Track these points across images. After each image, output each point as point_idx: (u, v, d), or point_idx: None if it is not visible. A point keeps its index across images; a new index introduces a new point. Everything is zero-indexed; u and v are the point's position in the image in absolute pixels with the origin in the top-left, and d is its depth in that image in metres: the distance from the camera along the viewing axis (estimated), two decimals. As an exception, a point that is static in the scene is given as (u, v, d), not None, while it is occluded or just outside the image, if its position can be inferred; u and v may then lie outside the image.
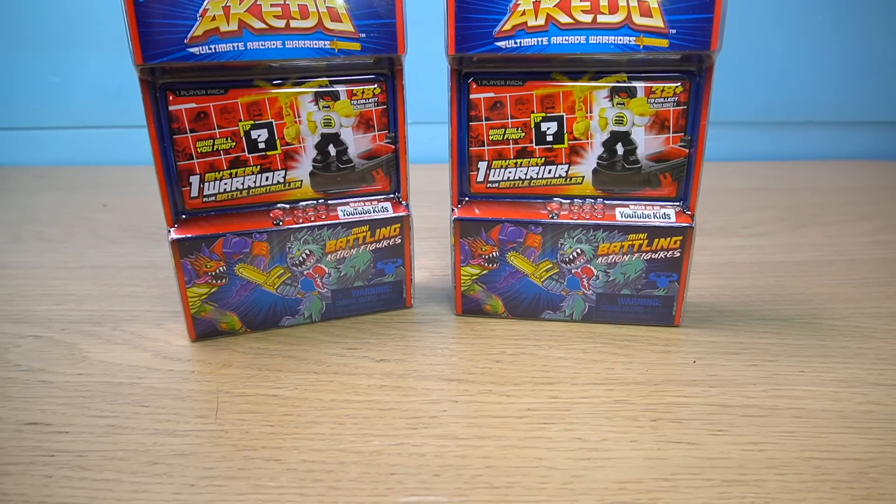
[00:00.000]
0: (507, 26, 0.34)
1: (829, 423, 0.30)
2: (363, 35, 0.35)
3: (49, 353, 0.37)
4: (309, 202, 0.38)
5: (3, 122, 0.84)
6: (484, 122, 0.37)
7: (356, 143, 0.38)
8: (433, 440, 0.30)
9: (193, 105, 0.34)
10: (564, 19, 0.34)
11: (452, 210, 0.39)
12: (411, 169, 0.39)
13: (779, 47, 0.81)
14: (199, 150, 0.35)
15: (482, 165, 0.38)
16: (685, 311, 0.39)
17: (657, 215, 0.37)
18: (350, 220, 0.38)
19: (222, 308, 0.38)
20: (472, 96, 0.37)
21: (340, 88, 0.36)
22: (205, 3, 0.32)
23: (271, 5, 0.33)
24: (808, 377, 0.34)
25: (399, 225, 0.39)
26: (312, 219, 0.38)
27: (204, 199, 0.36)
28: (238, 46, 0.33)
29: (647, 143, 0.36)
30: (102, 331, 0.40)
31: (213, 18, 0.32)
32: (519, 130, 0.37)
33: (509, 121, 0.37)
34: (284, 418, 0.31)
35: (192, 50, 0.32)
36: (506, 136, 0.37)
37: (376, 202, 0.39)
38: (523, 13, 0.34)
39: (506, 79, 0.36)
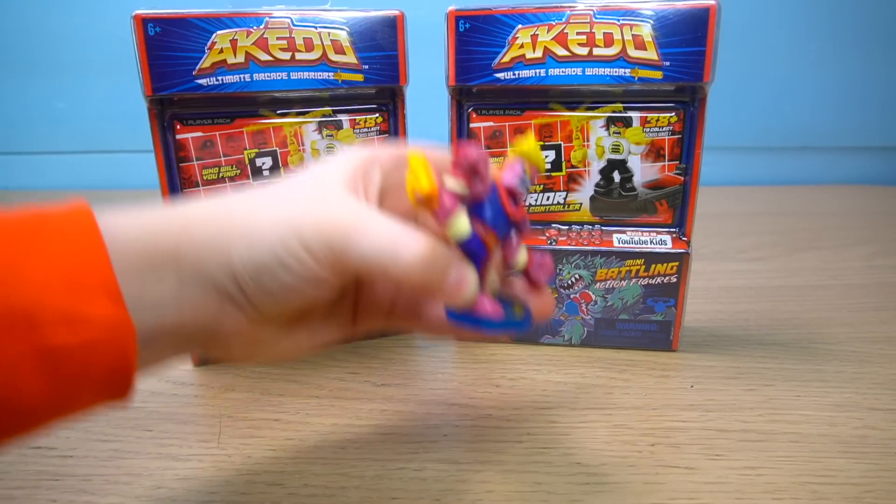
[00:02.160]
0: (506, 58, 0.35)
1: (825, 448, 0.31)
2: (366, 67, 0.36)
3: (54, 377, 0.38)
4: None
5: (10, 147, 0.86)
6: (484, 150, 0.38)
7: None
8: (434, 464, 0.30)
9: (200, 134, 0.35)
10: (561, 52, 0.35)
11: None
12: None
13: (774, 74, 0.82)
14: (204, 178, 0.36)
15: None
16: (683, 335, 0.40)
17: (654, 241, 0.38)
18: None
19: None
20: (472, 125, 0.38)
21: (344, 118, 0.37)
22: (213, 36, 0.33)
23: (277, 38, 0.34)
24: (804, 402, 0.34)
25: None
26: None
27: None
28: (245, 78, 0.34)
29: (643, 171, 0.37)
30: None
31: (221, 51, 0.34)
32: None
33: (508, 149, 0.38)
34: (286, 443, 0.32)
35: (200, 81, 0.34)
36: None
37: None
38: (521, 46, 0.35)
39: (505, 108, 0.37)
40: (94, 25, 0.78)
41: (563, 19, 0.34)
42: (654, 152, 0.37)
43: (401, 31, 0.36)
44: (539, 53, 0.35)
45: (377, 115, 0.38)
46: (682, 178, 0.37)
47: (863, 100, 0.83)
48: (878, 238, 0.63)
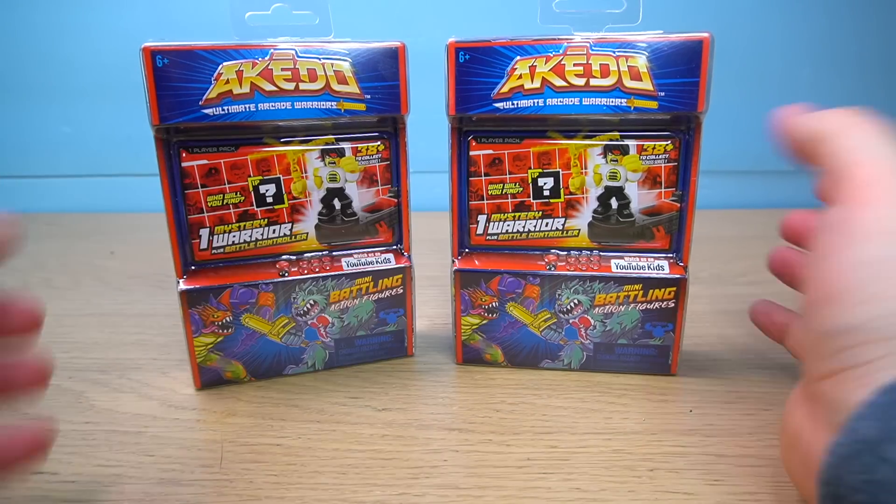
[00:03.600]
0: (505, 89, 0.36)
1: (824, 473, 0.31)
2: (368, 96, 0.37)
3: (56, 402, 0.38)
4: (314, 254, 0.40)
5: (15, 171, 0.86)
6: (483, 178, 0.39)
7: (360, 197, 0.39)
8: (434, 490, 0.30)
9: (205, 161, 0.36)
10: (559, 82, 0.36)
11: (453, 262, 0.40)
12: (413, 217, 0.41)
13: (769, 99, 0.83)
14: (209, 205, 0.37)
15: (482, 219, 0.39)
16: (682, 360, 0.40)
17: (651, 267, 0.38)
18: (354, 271, 0.39)
19: (228, 357, 0.39)
20: (471, 153, 0.38)
21: (346, 146, 0.38)
22: (219, 67, 0.34)
23: (282, 69, 0.35)
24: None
25: (401, 276, 0.40)
26: (317, 270, 0.39)
27: (213, 251, 0.38)
28: (250, 108, 0.35)
29: (640, 198, 0.38)
30: (109, 379, 0.40)
31: (227, 81, 0.34)
32: (517, 185, 0.38)
33: (507, 176, 0.38)
34: (288, 468, 0.32)
35: (206, 111, 0.34)
36: (504, 191, 0.39)
37: (379, 254, 0.40)
38: (520, 77, 0.36)
39: (504, 137, 0.38)
40: (100, 51, 0.79)
41: (561, 51, 0.35)
42: (651, 179, 0.37)
43: (402, 61, 0.36)
44: (537, 84, 0.36)
45: (379, 142, 0.39)
46: (679, 205, 0.37)
47: (857, 124, 0.84)
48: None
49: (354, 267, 0.39)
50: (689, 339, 0.45)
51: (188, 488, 0.30)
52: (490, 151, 0.38)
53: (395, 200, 0.40)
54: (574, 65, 0.35)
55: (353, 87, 0.36)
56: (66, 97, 0.83)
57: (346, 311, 0.40)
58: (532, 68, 0.35)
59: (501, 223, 0.39)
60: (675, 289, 0.37)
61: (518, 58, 0.35)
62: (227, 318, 0.38)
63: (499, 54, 0.36)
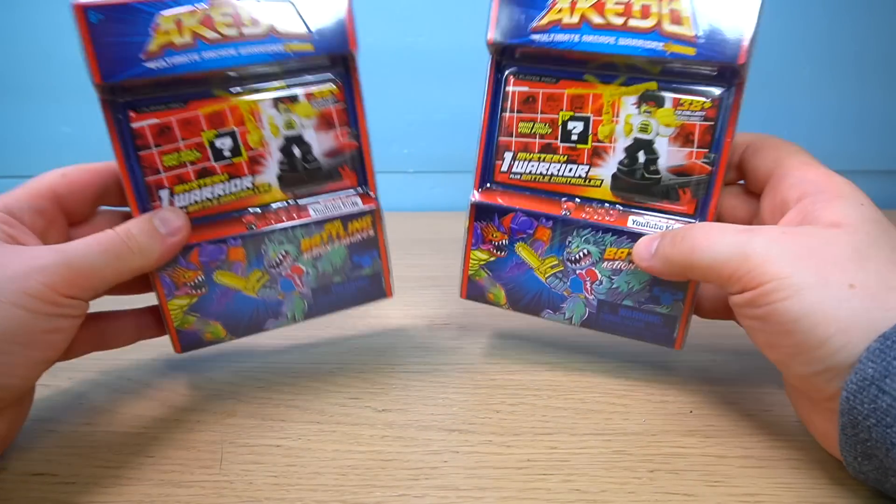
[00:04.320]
0: (544, 21, 0.35)
1: (826, 475, 0.31)
2: (316, 36, 0.36)
3: (56, 403, 0.38)
4: (279, 204, 0.39)
5: (15, 171, 0.86)
6: (515, 114, 0.38)
7: (319, 143, 0.38)
8: (434, 491, 0.30)
9: (155, 120, 0.35)
10: (597, 19, 0.35)
11: (473, 194, 0.40)
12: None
13: (769, 99, 0.83)
14: (165, 164, 0.36)
15: (507, 155, 0.39)
16: (683, 359, 0.40)
17: (669, 228, 0.36)
18: (321, 217, 0.39)
19: (205, 318, 0.38)
20: (507, 88, 0.38)
21: (298, 91, 0.37)
22: (155, 18, 0.33)
23: (222, 14, 0.34)
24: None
25: (370, 217, 0.40)
26: (284, 219, 0.38)
27: None
28: (193, 58, 0.34)
29: (669, 155, 0.36)
30: (109, 380, 0.40)
31: (167, 32, 0.33)
32: (546, 126, 0.38)
33: (539, 115, 0.38)
34: (288, 469, 0.32)
35: (148, 65, 0.33)
36: (533, 130, 0.38)
37: (346, 198, 0.40)
38: (560, 10, 0.35)
39: (541, 75, 0.37)
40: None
41: None
42: (684, 136, 0.36)
43: None
44: (576, 19, 0.35)
45: (331, 84, 0.38)
46: (710, 168, 0.36)
47: (859, 124, 0.84)
48: (874, 261, 0.63)
49: (322, 213, 0.39)
50: (691, 335, 0.45)
51: (188, 489, 0.30)
52: (525, 88, 0.37)
53: (356, 143, 0.39)
54: (615, 3, 0.34)
55: (298, 28, 0.35)
56: (66, 97, 0.83)
57: (319, 258, 0.39)
58: (573, 3, 0.35)
59: (526, 163, 0.39)
60: None
61: None
62: (199, 278, 0.37)
63: None
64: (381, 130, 0.41)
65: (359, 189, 0.40)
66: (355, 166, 0.40)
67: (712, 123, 0.35)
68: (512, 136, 0.38)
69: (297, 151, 0.38)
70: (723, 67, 0.34)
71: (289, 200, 0.39)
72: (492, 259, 0.40)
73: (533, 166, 0.39)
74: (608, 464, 0.32)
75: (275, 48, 0.35)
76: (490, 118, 0.39)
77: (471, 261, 0.41)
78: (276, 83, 0.37)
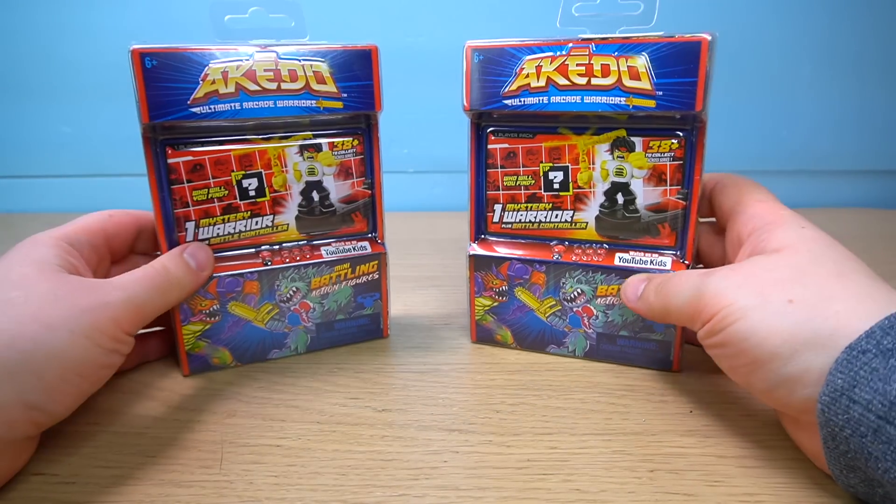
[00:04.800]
0: (514, 87, 0.38)
1: (825, 475, 0.31)
2: (345, 95, 0.39)
3: (57, 403, 0.38)
4: (294, 244, 0.41)
5: (15, 171, 0.86)
6: (499, 170, 0.41)
7: (337, 190, 0.41)
8: (434, 491, 0.30)
9: (190, 158, 0.37)
10: (562, 81, 0.37)
11: (470, 246, 0.42)
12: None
13: (769, 99, 0.83)
14: (194, 199, 0.38)
15: (497, 207, 0.41)
16: (682, 359, 0.40)
17: (654, 262, 0.39)
18: (333, 258, 0.41)
19: (215, 344, 0.40)
20: (489, 146, 0.40)
21: (323, 141, 0.40)
22: (206, 68, 0.35)
23: (265, 70, 0.37)
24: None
25: (377, 262, 0.43)
26: (298, 258, 0.41)
27: None
28: (235, 106, 0.37)
29: (645, 195, 0.38)
30: (110, 380, 0.40)
31: (214, 82, 0.36)
32: (529, 178, 0.40)
33: (521, 169, 0.40)
34: (288, 469, 0.32)
35: (193, 110, 0.36)
36: (518, 183, 0.41)
37: (355, 242, 0.43)
38: (527, 76, 0.37)
39: (518, 132, 0.40)
40: (100, 51, 0.79)
41: (565, 52, 0.37)
42: (657, 177, 0.38)
43: (375, 63, 0.39)
44: (542, 82, 0.37)
45: (353, 138, 0.41)
46: (684, 203, 0.38)
47: (859, 123, 0.84)
48: (875, 261, 0.63)
49: (333, 255, 0.41)
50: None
51: (188, 489, 0.30)
52: (506, 145, 0.40)
53: (370, 192, 0.42)
54: (577, 65, 0.36)
55: (330, 87, 0.38)
56: (66, 97, 0.83)
57: (326, 296, 0.42)
58: (538, 68, 0.37)
59: (515, 213, 0.41)
60: None
61: (526, 58, 0.37)
62: (215, 307, 0.39)
63: (509, 55, 0.37)
64: (382, 130, 0.42)
65: (368, 234, 0.43)
66: (367, 213, 0.43)
67: (681, 162, 0.37)
68: (499, 189, 0.41)
69: (315, 196, 0.41)
70: (683, 115, 0.36)
71: (303, 241, 0.42)
72: (495, 304, 0.43)
73: (522, 215, 0.41)
74: (608, 464, 0.32)
75: (308, 103, 0.38)
76: (476, 174, 0.41)
77: (476, 307, 0.43)
78: (303, 132, 0.40)
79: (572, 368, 0.41)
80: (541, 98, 0.37)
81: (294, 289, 0.41)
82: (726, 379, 0.40)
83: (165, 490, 0.30)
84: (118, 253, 0.39)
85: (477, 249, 0.42)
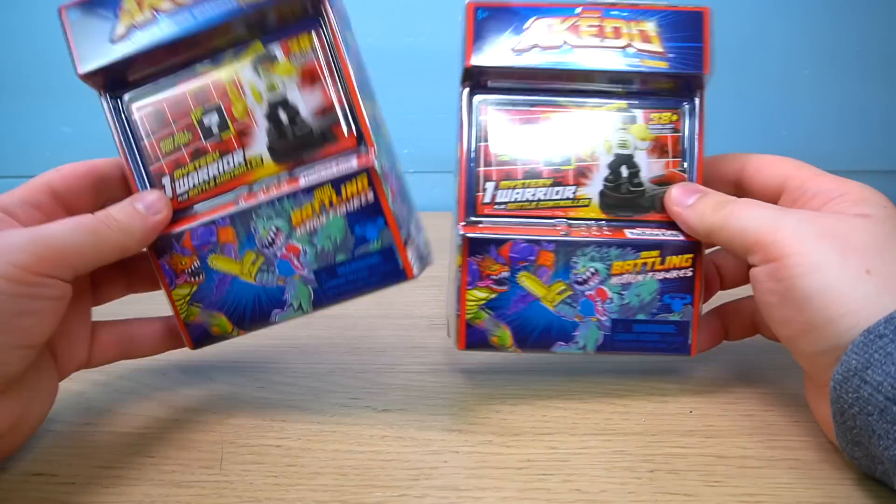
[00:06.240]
0: (524, 45, 0.37)
1: (824, 475, 0.31)
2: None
3: (57, 403, 0.38)
4: (273, 178, 0.36)
5: (15, 171, 0.86)
6: (492, 143, 0.38)
7: (305, 103, 0.35)
8: (434, 491, 0.30)
9: (150, 108, 0.36)
10: (575, 41, 0.37)
11: (459, 227, 0.37)
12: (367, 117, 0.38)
13: (769, 98, 0.83)
14: (163, 151, 0.35)
15: (489, 186, 0.38)
16: (682, 360, 0.40)
17: (666, 234, 0.37)
18: (311, 184, 0.34)
19: (208, 309, 0.36)
20: (481, 117, 0.38)
21: (277, 50, 0.35)
22: (120, 2, 0.34)
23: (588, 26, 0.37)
24: (803, 427, 0.34)
25: (365, 177, 0.34)
26: (273, 193, 0.35)
27: (179, 199, 0.36)
28: (154, 32, 0.34)
29: (649, 167, 0.38)
30: (109, 379, 0.40)
31: (130, 12, 0.33)
32: (527, 151, 0.38)
33: (517, 142, 0.38)
34: (288, 469, 0.32)
35: (116, 47, 0.34)
36: (513, 157, 0.38)
37: (340, 159, 0.35)
38: (538, 34, 0.37)
39: (515, 103, 0.39)
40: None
41: (576, 13, 0.37)
42: (659, 148, 0.38)
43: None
44: (555, 41, 0.37)
45: (308, 34, 0.35)
46: (686, 176, 0.38)
47: (860, 123, 0.84)
48: (874, 261, 0.63)
49: (313, 179, 0.34)
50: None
51: (188, 489, 0.30)
52: (501, 116, 0.38)
53: (343, 97, 0.35)
54: (589, 25, 0.37)
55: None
56: (66, 97, 0.82)
57: (314, 233, 0.35)
58: (549, 27, 0.37)
59: (511, 191, 0.38)
60: (692, 255, 0.37)
61: (534, 17, 0.37)
62: (195, 264, 0.35)
63: (517, 13, 0.37)
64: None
65: (357, 149, 0.35)
66: (349, 122, 0.35)
67: (681, 134, 0.37)
68: (491, 165, 0.38)
69: (283, 116, 0.35)
70: (691, 78, 0.37)
71: (282, 172, 0.36)
72: (492, 296, 0.37)
73: (518, 193, 0.38)
74: (608, 464, 0.32)
75: (229, 5, 0.33)
76: (467, 149, 0.38)
77: (467, 303, 0.37)
78: (252, 44, 0.35)
79: (573, 368, 0.41)
80: (553, 56, 0.37)
81: (274, 229, 0.34)
82: (726, 379, 0.40)
83: (165, 490, 0.30)
84: (78, 207, 0.35)
85: (470, 230, 0.37)
